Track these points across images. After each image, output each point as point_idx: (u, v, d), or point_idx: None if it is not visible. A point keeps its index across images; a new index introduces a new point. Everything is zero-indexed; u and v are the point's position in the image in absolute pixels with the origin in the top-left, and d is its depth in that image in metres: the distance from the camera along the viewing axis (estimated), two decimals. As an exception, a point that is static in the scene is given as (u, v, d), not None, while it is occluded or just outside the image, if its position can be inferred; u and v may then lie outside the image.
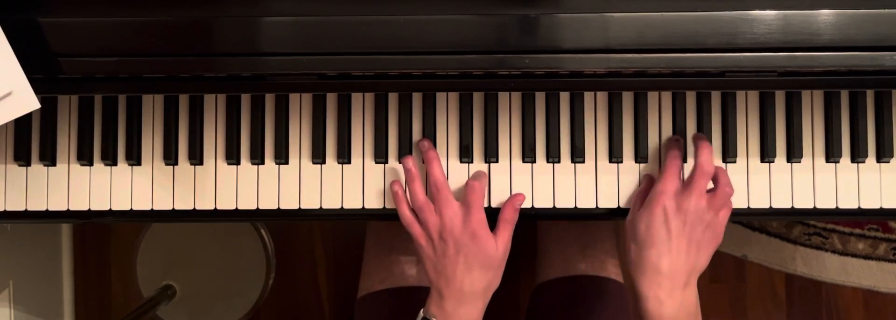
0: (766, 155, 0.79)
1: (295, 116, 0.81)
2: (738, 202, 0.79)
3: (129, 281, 1.61)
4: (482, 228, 0.74)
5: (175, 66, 0.68)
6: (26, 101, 0.64)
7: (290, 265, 1.60)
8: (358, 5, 0.66)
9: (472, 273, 0.74)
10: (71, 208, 0.81)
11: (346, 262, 1.60)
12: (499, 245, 0.75)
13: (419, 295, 0.78)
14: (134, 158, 0.81)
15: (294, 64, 0.67)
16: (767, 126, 0.79)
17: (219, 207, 0.81)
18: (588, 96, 0.80)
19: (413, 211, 0.77)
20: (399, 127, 0.81)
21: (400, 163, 0.80)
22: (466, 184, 0.76)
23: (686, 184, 0.73)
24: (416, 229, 0.76)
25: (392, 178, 0.80)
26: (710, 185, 0.74)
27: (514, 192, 0.80)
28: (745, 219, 1.52)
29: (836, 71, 0.69)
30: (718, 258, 1.57)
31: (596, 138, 0.80)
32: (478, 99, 0.80)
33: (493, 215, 0.78)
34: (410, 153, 0.80)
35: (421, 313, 0.77)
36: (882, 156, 0.79)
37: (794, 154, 0.79)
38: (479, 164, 0.80)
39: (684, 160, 0.78)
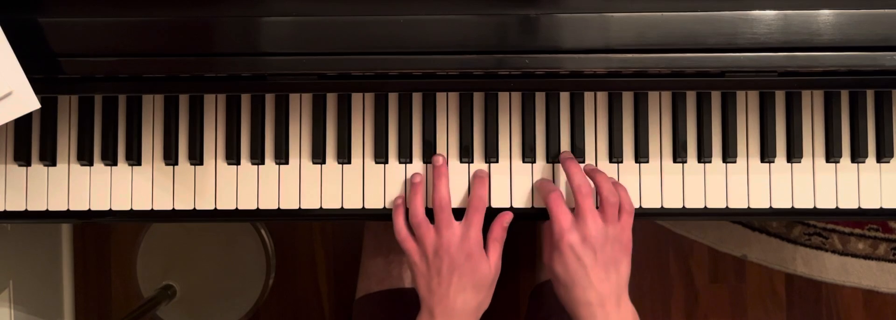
0: (766, 155, 0.79)
1: (295, 116, 0.81)
2: (738, 202, 0.80)
3: (129, 281, 1.61)
4: (478, 248, 0.75)
5: (175, 66, 0.68)
6: (26, 101, 0.64)
7: (290, 265, 1.60)
8: (358, 5, 0.66)
9: (465, 292, 0.75)
10: (71, 208, 0.81)
11: (345, 262, 1.60)
12: (491, 265, 0.76)
13: (417, 297, 0.78)
14: (134, 158, 0.81)
15: (294, 64, 0.67)
16: (767, 126, 0.79)
17: (219, 207, 0.81)
18: (588, 96, 0.80)
19: (409, 226, 0.77)
20: (399, 127, 0.81)
21: (400, 163, 0.80)
22: (470, 202, 0.76)
23: (576, 212, 0.74)
24: (410, 245, 0.77)
25: (392, 178, 0.80)
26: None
27: (513, 192, 0.80)
28: (745, 219, 1.52)
29: (836, 71, 0.69)
30: (718, 258, 1.57)
31: (596, 138, 0.80)
32: (478, 99, 0.80)
33: (490, 216, 0.78)
34: (410, 153, 0.80)
35: None
36: (882, 156, 0.79)
37: (794, 154, 0.79)
38: (479, 164, 0.80)
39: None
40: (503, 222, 0.77)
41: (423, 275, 0.76)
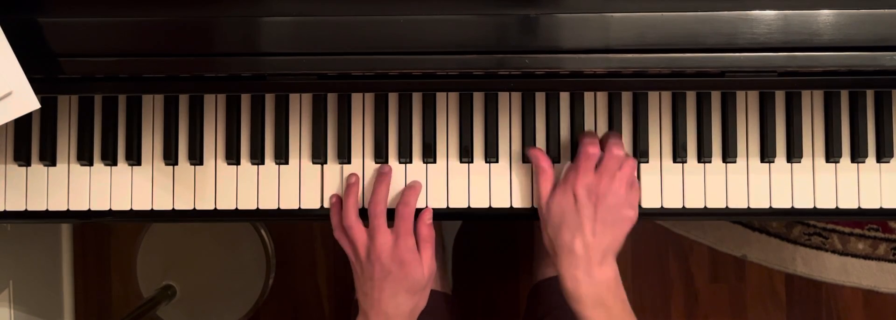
0: (766, 155, 0.79)
1: (295, 116, 0.81)
2: (738, 202, 0.80)
3: (129, 281, 1.61)
4: (410, 254, 0.75)
5: (175, 66, 0.68)
6: (26, 101, 0.64)
7: (290, 265, 1.60)
8: (358, 5, 0.66)
9: (397, 297, 0.75)
10: (71, 208, 0.81)
11: (345, 262, 1.60)
12: (425, 268, 0.76)
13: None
14: (134, 158, 0.81)
15: (294, 64, 0.67)
16: (767, 126, 0.79)
17: (219, 207, 0.81)
18: (588, 96, 0.80)
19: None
20: (399, 127, 0.81)
21: (400, 163, 0.80)
22: (396, 211, 0.76)
23: (599, 167, 0.74)
24: (346, 246, 0.78)
25: (393, 178, 0.80)
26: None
27: (513, 193, 0.80)
28: (745, 219, 1.52)
29: (836, 71, 0.69)
30: (718, 258, 1.57)
31: (596, 138, 0.80)
32: (478, 99, 0.80)
33: (489, 215, 0.78)
34: (410, 153, 0.80)
35: None
36: (882, 156, 0.79)
37: (794, 154, 0.79)
38: (479, 164, 0.80)
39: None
40: (426, 220, 0.78)
41: (358, 277, 0.77)
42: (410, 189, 0.79)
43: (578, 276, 0.72)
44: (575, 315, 0.74)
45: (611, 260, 0.74)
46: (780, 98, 0.80)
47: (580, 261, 0.72)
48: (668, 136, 0.80)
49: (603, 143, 0.76)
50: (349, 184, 0.79)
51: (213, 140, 0.81)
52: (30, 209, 0.82)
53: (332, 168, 0.81)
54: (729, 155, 0.79)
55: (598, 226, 0.73)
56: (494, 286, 1.56)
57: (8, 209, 0.82)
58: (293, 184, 0.81)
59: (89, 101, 0.82)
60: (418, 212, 0.78)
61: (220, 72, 0.70)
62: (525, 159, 0.80)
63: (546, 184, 0.76)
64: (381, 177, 0.79)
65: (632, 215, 0.75)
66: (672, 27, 0.65)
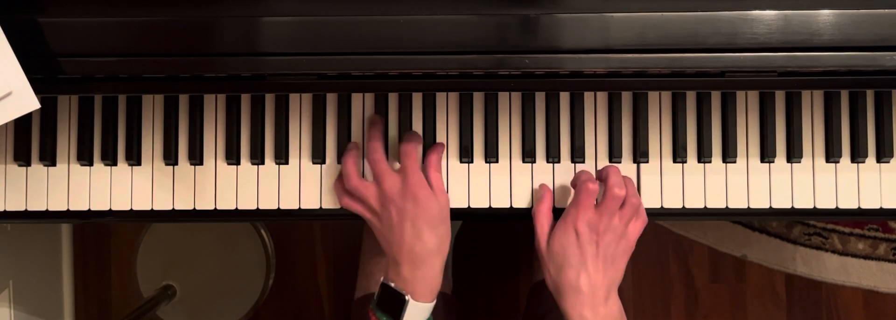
0: (766, 155, 0.79)
1: (295, 116, 0.81)
2: (738, 202, 0.80)
3: (129, 281, 1.61)
4: (422, 189, 0.74)
5: (175, 66, 0.68)
6: (26, 101, 0.64)
7: (290, 265, 1.60)
8: (358, 5, 0.66)
9: (421, 236, 0.74)
10: (71, 208, 0.81)
11: (345, 262, 1.60)
12: (439, 197, 0.75)
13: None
14: (134, 158, 0.81)
15: (294, 64, 0.67)
16: (767, 126, 0.79)
17: (219, 207, 0.81)
18: (588, 96, 0.80)
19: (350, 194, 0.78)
20: (399, 127, 0.81)
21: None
22: (400, 149, 0.76)
23: (600, 204, 0.74)
24: (357, 206, 0.77)
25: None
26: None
27: (513, 193, 0.80)
28: (745, 219, 1.52)
29: (836, 71, 0.69)
30: (718, 258, 1.57)
31: (596, 138, 0.80)
32: (478, 99, 0.80)
33: (489, 215, 0.78)
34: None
35: (381, 279, 0.77)
36: (882, 156, 0.79)
37: (794, 154, 0.79)
38: (479, 164, 0.80)
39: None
40: (439, 150, 0.78)
41: (378, 229, 0.76)
42: (412, 132, 0.79)
43: (586, 314, 0.72)
44: None
45: (614, 296, 0.74)
46: (780, 98, 0.80)
47: (586, 299, 0.72)
48: (668, 136, 0.80)
49: (602, 179, 0.76)
50: (348, 150, 0.79)
51: (213, 140, 0.81)
52: (30, 209, 0.82)
53: (333, 168, 0.81)
54: (729, 155, 0.79)
55: (601, 263, 0.73)
56: (494, 286, 1.56)
57: (8, 209, 0.82)
58: (293, 184, 0.81)
59: (89, 101, 0.82)
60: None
61: (220, 72, 0.70)
62: (525, 159, 0.80)
63: (544, 225, 0.77)
64: (374, 125, 0.79)
65: (630, 247, 0.75)
66: (672, 27, 0.65)
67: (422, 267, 0.74)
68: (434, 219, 0.75)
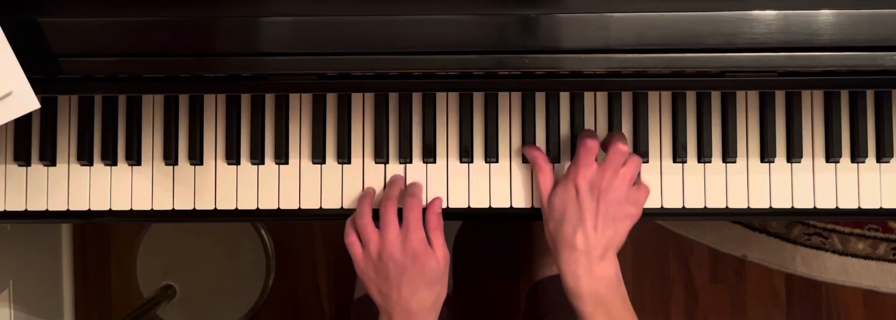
0: (766, 155, 0.79)
1: (295, 116, 0.81)
2: (738, 202, 0.80)
3: (129, 281, 1.61)
4: (423, 247, 0.74)
5: (175, 66, 0.68)
6: (26, 101, 0.64)
7: (290, 265, 1.60)
8: (358, 5, 0.66)
9: (418, 293, 0.74)
10: (71, 208, 0.81)
11: (345, 262, 1.60)
12: (438, 256, 0.75)
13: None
14: (134, 158, 0.81)
15: (294, 64, 0.67)
16: (767, 126, 0.79)
17: (219, 207, 0.81)
18: (588, 96, 0.80)
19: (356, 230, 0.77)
20: (399, 127, 0.81)
21: (400, 164, 0.80)
22: (404, 203, 0.76)
23: (603, 162, 0.74)
24: (356, 249, 0.76)
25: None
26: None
27: (513, 193, 0.80)
28: (745, 219, 1.52)
29: (836, 71, 0.69)
30: (718, 258, 1.57)
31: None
32: (478, 99, 0.80)
33: (488, 215, 0.78)
34: (410, 153, 0.80)
35: None
36: (882, 156, 0.79)
37: (794, 154, 0.79)
38: (479, 164, 0.80)
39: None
40: (435, 209, 0.77)
41: (373, 281, 0.76)
42: (415, 183, 0.79)
43: (579, 272, 0.72)
44: (574, 311, 0.74)
45: (612, 256, 0.73)
46: (780, 98, 0.80)
47: (581, 257, 0.72)
48: (668, 136, 0.80)
49: (608, 142, 0.76)
50: (365, 192, 0.79)
51: (213, 140, 0.81)
52: (30, 209, 0.82)
53: (332, 168, 0.81)
54: (729, 155, 0.79)
55: (600, 220, 0.72)
56: (494, 286, 1.56)
57: (8, 209, 0.82)
58: (293, 184, 0.81)
59: (89, 101, 0.82)
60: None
61: (220, 72, 0.70)
62: (525, 159, 0.80)
63: (546, 182, 0.76)
64: (395, 181, 0.79)
65: (634, 212, 0.74)
66: (672, 27, 0.65)
67: None
68: (432, 277, 0.75)
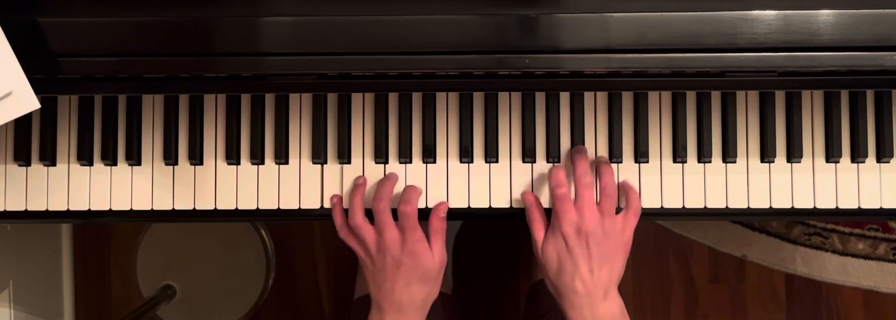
0: (766, 155, 0.79)
1: (295, 116, 0.81)
2: (738, 202, 0.80)
3: (129, 281, 1.61)
4: (421, 246, 0.75)
5: (175, 66, 0.68)
6: (26, 101, 0.64)
7: (290, 265, 1.60)
8: (358, 5, 0.66)
9: (410, 287, 0.76)
10: (71, 208, 0.81)
11: (345, 262, 1.60)
12: (436, 257, 0.76)
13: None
14: (134, 158, 0.81)
15: (294, 64, 0.67)
16: (767, 126, 0.79)
17: (219, 207, 0.81)
18: (588, 96, 0.80)
19: (349, 225, 0.78)
20: (399, 127, 0.81)
21: (400, 164, 0.80)
22: (399, 209, 0.76)
23: (576, 203, 0.74)
24: (354, 244, 0.78)
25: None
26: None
27: (513, 193, 0.80)
28: (745, 219, 1.52)
29: (836, 71, 0.69)
30: (718, 258, 1.57)
31: (596, 138, 0.80)
32: (478, 99, 0.80)
33: (489, 215, 0.78)
34: (410, 153, 0.80)
35: None
36: (882, 156, 0.79)
37: (794, 154, 0.79)
38: (479, 164, 0.80)
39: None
40: (440, 213, 0.78)
41: (369, 270, 0.77)
42: (411, 187, 0.79)
43: (585, 315, 0.74)
44: None
45: (613, 294, 0.75)
46: (780, 98, 0.80)
47: (583, 301, 0.73)
48: (668, 136, 0.80)
49: (574, 171, 0.76)
50: (356, 185, 0.79)
51: (213, 140, 0.81)
52: (30, 209, 0.82)
53: (332, 168, 0.81)
54: (729, 155, 0.79)
55: (594, 263, 0.73)
56: (494, 286, 1.56)
57: (8, 209, 0.82)
58: (293, 184, 0.81)
59: (89, 101, 0.82)
60: (421, 211, 0.78)
61: (220, 72, 0.70)
62: (525, 159, 0.80)
63: (539, 232, 0.77)
64: (387, 178, 0.79)
65: (626, 240, 0.76)
66: (672, 27, 0.65)
67: (404, 318, 0.76)
68: (426, 275, 0.76)
